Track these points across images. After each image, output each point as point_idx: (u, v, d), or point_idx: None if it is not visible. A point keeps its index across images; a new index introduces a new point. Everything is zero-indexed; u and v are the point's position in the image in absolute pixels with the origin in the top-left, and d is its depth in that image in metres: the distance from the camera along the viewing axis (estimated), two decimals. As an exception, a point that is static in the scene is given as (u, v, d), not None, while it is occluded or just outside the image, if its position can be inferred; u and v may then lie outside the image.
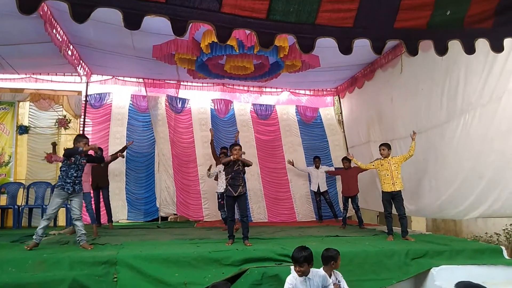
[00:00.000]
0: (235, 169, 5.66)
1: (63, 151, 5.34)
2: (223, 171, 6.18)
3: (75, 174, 5.19)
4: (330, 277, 3.70)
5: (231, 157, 5.64)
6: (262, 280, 4.19)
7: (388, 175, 6.20)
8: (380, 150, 6.40)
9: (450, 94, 6.11)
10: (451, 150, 6.02)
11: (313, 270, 3.51)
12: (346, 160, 8.20)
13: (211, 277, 4.21)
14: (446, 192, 6.10)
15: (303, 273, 3.43)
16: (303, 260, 3.38)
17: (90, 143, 5.47)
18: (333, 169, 9.33)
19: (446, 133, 6.15)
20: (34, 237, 4.95)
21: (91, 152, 5.92)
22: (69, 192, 5.13)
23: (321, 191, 9.11)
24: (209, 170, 8.11)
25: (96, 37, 6.85)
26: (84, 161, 5.40)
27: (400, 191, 6.13)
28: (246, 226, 5.50)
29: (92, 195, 6.98)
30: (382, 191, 6.28)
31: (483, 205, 5.45)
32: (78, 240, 5.11)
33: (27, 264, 4.20)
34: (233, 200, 5.62)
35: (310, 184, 9.61)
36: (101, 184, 7.57)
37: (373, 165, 6.59)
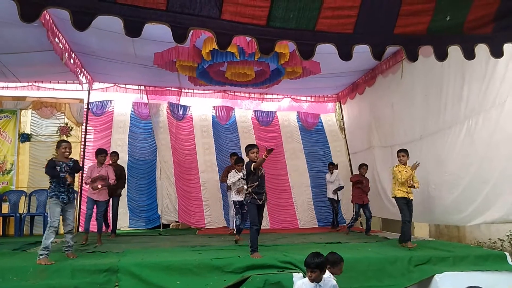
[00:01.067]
0: (260, 175, 5.23)
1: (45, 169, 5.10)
2: (242, 178, 5.80)
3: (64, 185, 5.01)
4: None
5: (260, 158, 5.03)
6: (265, 287, 4.16)
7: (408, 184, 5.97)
8: (399, 156, 6.16)
9: (453, 99, 6.10)
10: (454, 155, 6.00)
11: (325, 277, 3.51)
12: (364, 166, 7.96)
13: (213, 285, 4.18)
14: (450, 198, 6.07)
15: (314, 279, 3.43)
16: (314, 266, 3.39)
17: (64, 149, 5.15)
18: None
19: (449, 139, 6.14)
20: (45, 252, 4.56)
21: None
22: (64, 201, 4.95)
23: (338, 198, 8.98)
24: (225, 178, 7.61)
25: (98, 45, 6.90)
26: (71, 165, 5.15)
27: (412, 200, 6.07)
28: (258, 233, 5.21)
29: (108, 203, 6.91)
30: (398, 197, 6.00)
31: (487, 211, 5.42)
32: (64, 249, 5.00)
33: (28, 272, 4.18)
34: (257, 208, 5.21)
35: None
36: (114, 193, 7.34)
37: (398, 172, 6.07)
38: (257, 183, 5.18)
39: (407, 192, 5.99)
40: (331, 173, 8.98)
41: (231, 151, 9.33)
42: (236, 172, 6.83)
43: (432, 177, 6.56)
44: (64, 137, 8.92)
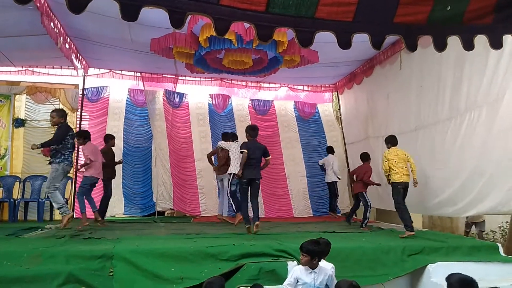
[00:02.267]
0: (252, 157, 5.89)
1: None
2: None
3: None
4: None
5: None
6: (259, 275, 4.18)
7: (402, 166, 5.99)
8: (387, 144, 6.32)
9: (451, 91, 6.09)
10: (453, 147, 6.00)
11: (321, 266, 3.56)
12: (363, 155, 7.69)
13: (207, 272, 4.19)
14: (448, 190, 6.08)
15: (304, 264, 3.53)
16: (305, 251, 3.51)
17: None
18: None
19: (449, 131, 6.13)
20: (64, 209, 5.77)
21: None
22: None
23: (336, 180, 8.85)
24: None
25: (94, 30, 6.81)
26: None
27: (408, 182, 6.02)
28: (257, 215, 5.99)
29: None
30: (395, 182, 5.98)
31: (481, 203, 5.48)
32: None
33: (22, 257, 4.16)
34: (248, 184, 5.92)
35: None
36: (110, 175, 7.46)
37: (388, 159, 6.11)
38: (253, 159, 5.83)
39: (404, 174, 5.94)
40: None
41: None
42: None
43: (428, 168, 6.58)
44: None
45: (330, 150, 9.15)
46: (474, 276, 3.09)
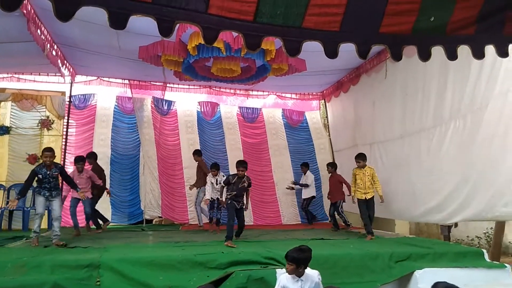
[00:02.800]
0: (240, 187, 6.13)
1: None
2: (223, 185, 6.62)
3: (48, 186, 5.50)
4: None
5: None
6: (248, 283, 4.17)
7: (361, 184, 6.68)
8: (356, 162, 6.81)
9: (436, 99, 6.20)
10: (439, 155, 6.08)
11: (308, 273, 3.55)
12: (329, 165, 8.38)
13: (196, 280, 4.16)
14: (435, 198, 6.15)
15: (290, 272, 3.49)
16: (290, 259, 3.48)
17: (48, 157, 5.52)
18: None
19: (434, 139, 6.21)
20: (34, 235, 5.41)
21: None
22: (45, 196, 5.49)
23: (310, 196, 9.23)
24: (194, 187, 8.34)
25: (81, 36, 6.77)
26: (56, 173, 5.59)
27: (372, 198, 6.67)
28: (242, 230, 6.45)
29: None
30: (359, 199, 6.73)
31: (465, 210, 5.56)
32: (52, 238, 5.42)
33: (6, 267, 4.09)
34: (235, 210, 6.13)
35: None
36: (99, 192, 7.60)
37: (354, 174, 6.92)
38: (235, 193, 6.12)
39: (365, 193, 6.66)
40: (304, 174, 9.32)
41: (216, 147, 9.81)
42: (212, 176, 7.60)
43: (413, 176, 6.67)
44: (45, 131, 8.76)
45: (307, 165, 9.49)
46: (459, 282, 3.14)
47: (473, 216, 5.48)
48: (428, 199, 6.30)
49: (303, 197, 9.36)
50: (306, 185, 9.27)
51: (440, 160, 6.06)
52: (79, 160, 6.97)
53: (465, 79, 5.55)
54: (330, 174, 8.23)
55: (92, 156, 7.72)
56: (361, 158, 6.84)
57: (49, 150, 5.62)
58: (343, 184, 7.96)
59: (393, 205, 7.10)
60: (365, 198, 6.67)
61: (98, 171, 7.52)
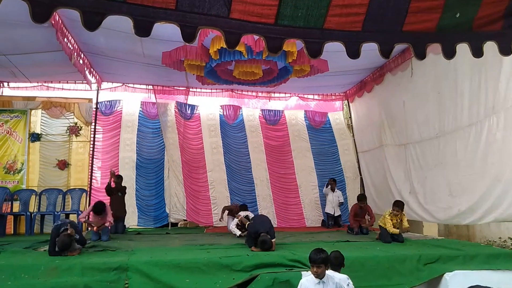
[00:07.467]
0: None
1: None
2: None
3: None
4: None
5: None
6: (273, 286, 4.17)
7: (395, 226, 6.33)
8: (394, 210, 6.38)
9: (470, 97, 6.00)
10: (476, 154, 5.88)
11: (328, 274, 3.50)
12: (362, 198, 7.97)
13: (221, 283, 4.20)
14: (470, 198, 5.95)
15: (319, 275, 3.42)
16: (320, 262, 3.40)
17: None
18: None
19: (470, 137, 6.01)
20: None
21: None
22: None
23: (336, 215, 9.10)
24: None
25: (106, 45, 6.95)
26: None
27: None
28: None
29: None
30: (384, 228, 6.39)
31: (498, 209, 5.38)
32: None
33: (39, 270, 4.23)
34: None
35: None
36: (119, 214, 7.73)
37: (390, 219, 6.46)
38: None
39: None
40: (333, 191, 9.16)
41: (238, 150, 9.88)
42: (235, 218, 7.49)
43: (449, 176, 6.48)
44: (74, 137, 9.02)
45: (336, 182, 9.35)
46: (492, 285, 3.04)
47: (506, 216, 5.29)
48: (463, 200, 6.11)
49: (335, 214, 9.14)
50: (342, 203, 9.17)
51: (476, 160, 5.86)
52: (101, 212, 6.48)
53: (497, 76, 5.37)
54: (363, 206, 7.81)
55: (121, 178, 8.34)
56: (401, 207, 6.43)
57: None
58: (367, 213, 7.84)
59: (429, 207, 6.93)
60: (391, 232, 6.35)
61: (122, 189, 8.17)
